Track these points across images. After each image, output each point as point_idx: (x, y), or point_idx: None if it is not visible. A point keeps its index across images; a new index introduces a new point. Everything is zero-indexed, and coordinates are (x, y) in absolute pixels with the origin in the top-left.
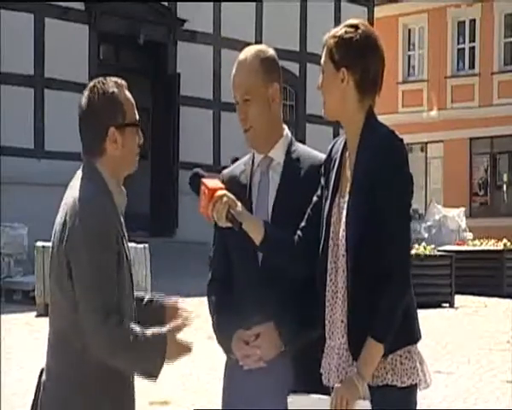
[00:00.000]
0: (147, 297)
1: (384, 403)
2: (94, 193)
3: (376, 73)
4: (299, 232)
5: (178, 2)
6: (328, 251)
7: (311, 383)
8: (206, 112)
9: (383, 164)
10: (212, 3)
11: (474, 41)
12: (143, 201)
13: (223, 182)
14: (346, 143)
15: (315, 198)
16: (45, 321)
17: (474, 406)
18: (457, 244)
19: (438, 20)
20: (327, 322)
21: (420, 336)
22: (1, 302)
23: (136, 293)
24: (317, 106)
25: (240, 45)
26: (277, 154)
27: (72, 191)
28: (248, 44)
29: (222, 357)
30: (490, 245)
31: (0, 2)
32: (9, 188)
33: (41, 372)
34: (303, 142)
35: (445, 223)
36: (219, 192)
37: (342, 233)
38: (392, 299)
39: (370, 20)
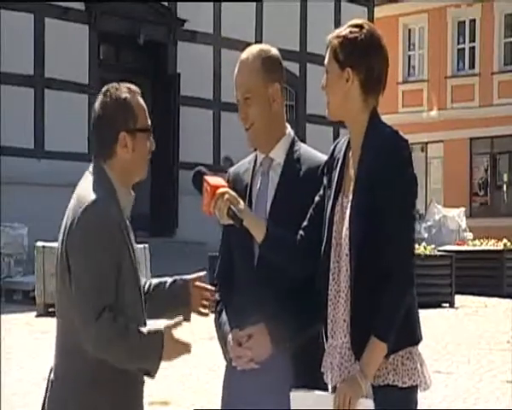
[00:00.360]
0: (169, 280)
1: (385, 403)
2: (98, 195)
3: (380, 72)
4: (301, 232)
5: (178, 2)
6: (330, 250)
7: (311, 381)
8: (206, 112)
9: (386, 164)
10: (212, 3)
11: (474, 41)
12: (143, 201)
13: (228, 180)
14: (349, 142)
15: (317, 198)
16: (45, 321)
17: (474, 406)
18: (457, 244)
19: (438, 20)
20: (329, 321)
21: (421, 338)
22: (1, 302)
23: (157, 279)
24: (317, 106)
25: (240, 45)
26: (278, 154)
27: (78, 191)
28: (248, 44)
29: (222, 357)
30: (490, 245)
31: (0, 2)
32: (9, 188)
33: (50, 371)
34: (303, 142)
35: (445, 223)
36: (221, 189)
37: (345, 232)
38: (394, 298)
39: (370, 20)
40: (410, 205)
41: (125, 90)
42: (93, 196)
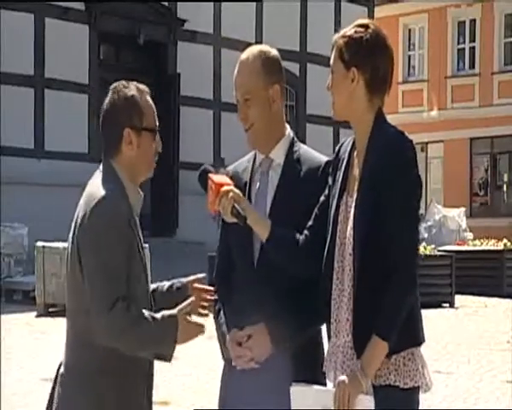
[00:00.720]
0: (167, 284)
1: (386, 403)
2: (107, 190)
3: (386, 72)
4: (305, 231)
5: (178, 2)
6: (334, 250)
7: (311, 381)
8: (206, 112)
9: (391, 164)
10: (212, 3)
11: (474, 41)
12: (144, 201)
13: (231, 178)
14: (354, 142)
15: (322, 198)
16: (45, 321)
17: (474, 406)
18: (458, 244)
19: (438, 20)
20: (332, 320)
21: (424, 339)
22: (1, 302)
23: (157, 284)
24: (317, 106)
25: (240, 45)
26: (278, 154)
27: (88, 189)
28: (249, 44)
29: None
30: (490, 245)
31: (0, 2)
32: (9, 188)
33: (59, 366)
34: (303, 142)
35: (445, 223)
36: (225, 187)
37: (350, 232)
38: (396, 298)
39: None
40: (414, 205)
41: (133, 87)
42: (103, 192)
